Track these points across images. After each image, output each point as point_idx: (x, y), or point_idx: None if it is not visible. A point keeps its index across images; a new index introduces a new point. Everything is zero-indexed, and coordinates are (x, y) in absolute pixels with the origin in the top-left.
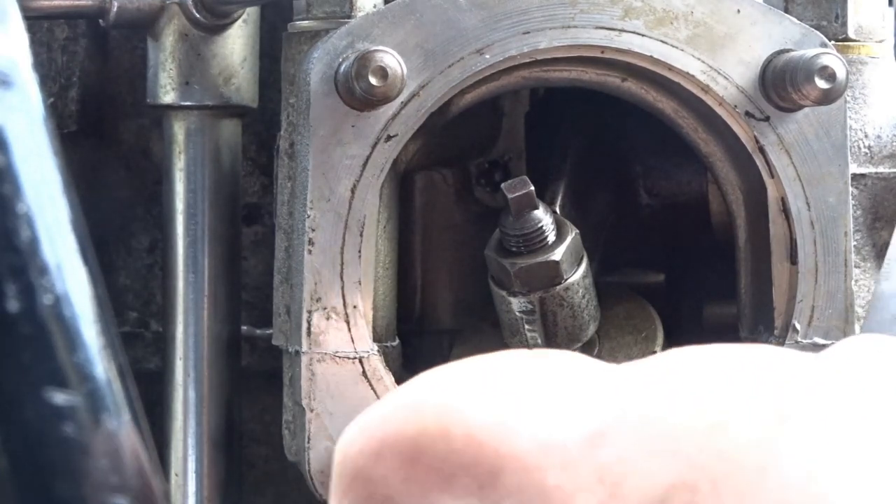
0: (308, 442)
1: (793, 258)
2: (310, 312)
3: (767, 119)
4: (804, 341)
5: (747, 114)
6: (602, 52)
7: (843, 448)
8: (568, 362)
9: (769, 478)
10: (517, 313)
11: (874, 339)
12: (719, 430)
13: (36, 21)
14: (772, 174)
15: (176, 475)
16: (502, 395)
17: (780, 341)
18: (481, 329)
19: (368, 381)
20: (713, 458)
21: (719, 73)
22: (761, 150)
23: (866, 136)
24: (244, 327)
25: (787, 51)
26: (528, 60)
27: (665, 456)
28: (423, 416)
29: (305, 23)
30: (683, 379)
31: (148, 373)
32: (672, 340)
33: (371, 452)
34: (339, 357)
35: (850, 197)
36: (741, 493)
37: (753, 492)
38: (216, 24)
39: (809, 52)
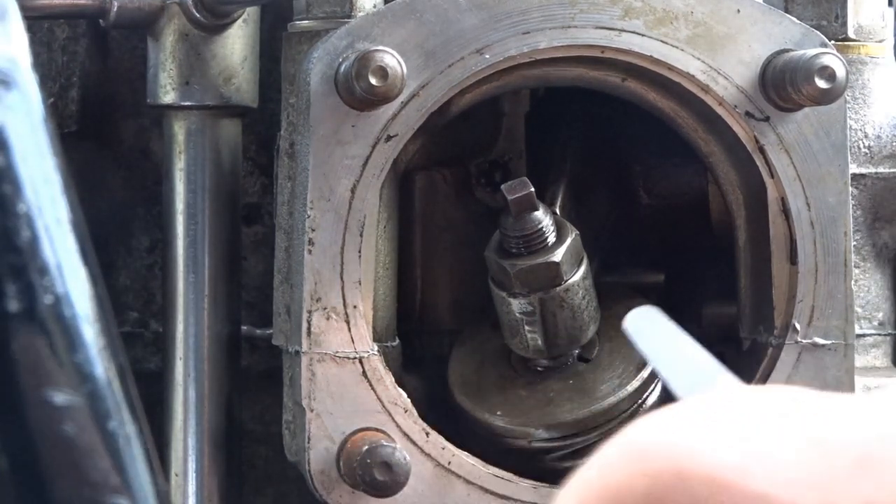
0: (308, 442)
1: (793, 258)
2: (310, 312)
3: (767, 119)
4: (804, 341)
5: (747, 114)
6: (602, 52)
7: None
8: (796, 394)
9: None
10: (517, 314)
11: None
12: None
13: (36, 21)
14: (772, 174)
15: (176, 475)
16: (736, 432)
17: (780, 341)
18: (481, 329)
19: (368, 381)
20: None
21: (719, 73)
22: (761, 150)
23: (866, 136)
24: (244, 327)
25: (787, 51)
26: (528, 60)
27: None
28: (652, 462)
29: (305, 23)
30: None
31: (148, 373)
32: None
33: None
34: (339, 357)
35: (850, 197)
36: None
37: None
38: (216, 24)
39: (809, 52)
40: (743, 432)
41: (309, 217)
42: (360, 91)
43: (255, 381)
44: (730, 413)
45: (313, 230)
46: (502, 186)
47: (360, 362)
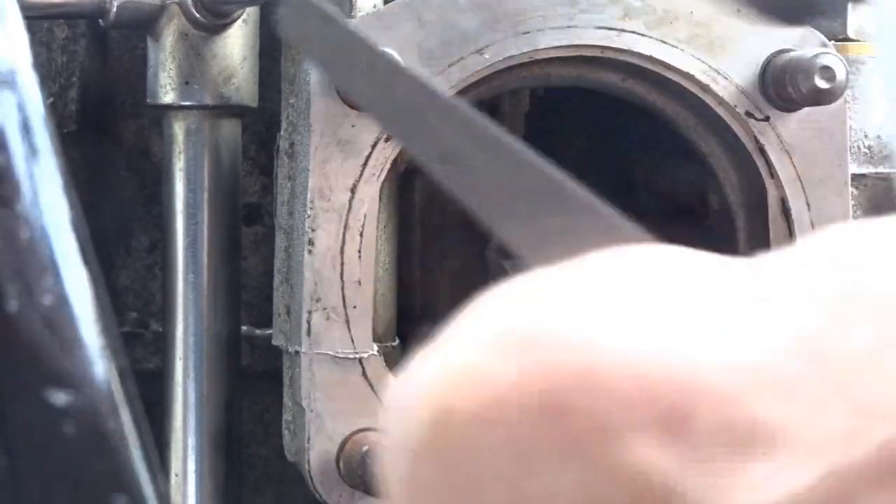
0: (308, 442)
1: None
2: (310, 312)
3: (767, 119)
4: None
5: (747, 114)
6: (602, 52)
7: None
8: (677, 258)
9: None
10: None
11: None
12: None
13: (36, 21)
14: (772, 174)
15: (176, 475)
16: (636, 311)
17: None
18: None
19: (369, 381)
20: None
21: (719, 72)
22: (761, 150)
23: (866, 136)
24: (244, 327)
25: (787, 50)
26: (527, 60)
27: None
28: (550, 357)
29: None
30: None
31: (148, 373)
32: None
33: (475, 416)
34: (339, 357)
35: (851, 197)
36: None
37: None
38: (216, 24)
39: (809, 52)
40: (652, 307)
41: (309, 217)
42: None
43: (255, 381)
44: (620, 286)
45: (313, 230)
46: None
47: (361, 362)
